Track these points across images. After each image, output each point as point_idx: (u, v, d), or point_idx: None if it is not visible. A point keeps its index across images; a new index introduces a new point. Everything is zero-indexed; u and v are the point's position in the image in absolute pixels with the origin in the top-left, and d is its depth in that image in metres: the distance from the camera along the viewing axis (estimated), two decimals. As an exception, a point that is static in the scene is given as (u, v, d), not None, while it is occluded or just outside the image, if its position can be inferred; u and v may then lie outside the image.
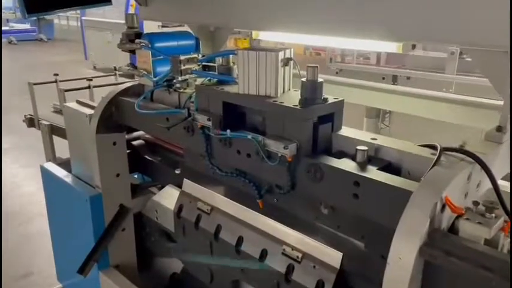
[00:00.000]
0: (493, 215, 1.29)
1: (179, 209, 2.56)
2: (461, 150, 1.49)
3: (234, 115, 2.01)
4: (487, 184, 1.61)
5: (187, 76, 2.25)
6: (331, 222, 1.86)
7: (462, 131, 3.57)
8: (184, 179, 2.60)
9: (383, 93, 3.59)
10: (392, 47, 2.85)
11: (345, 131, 1.86)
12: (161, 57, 2.53)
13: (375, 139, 1.73)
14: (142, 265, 3.06)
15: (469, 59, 7.23)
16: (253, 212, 2.23)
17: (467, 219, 1.28)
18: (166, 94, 2.51)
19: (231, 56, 2.09)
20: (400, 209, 1.39)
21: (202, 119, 2.03)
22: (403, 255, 1.32)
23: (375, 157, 1.69)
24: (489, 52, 1.72)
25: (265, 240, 2.13)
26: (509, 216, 1.38)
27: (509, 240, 1.33)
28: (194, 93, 2.19)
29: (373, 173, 1.56)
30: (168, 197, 2.72)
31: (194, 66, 2.23)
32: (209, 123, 1.99)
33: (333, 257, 1.90)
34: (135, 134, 3.08)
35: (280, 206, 2.04)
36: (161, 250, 2.91)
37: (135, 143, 3.03)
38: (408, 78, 6.28)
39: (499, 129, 1.69)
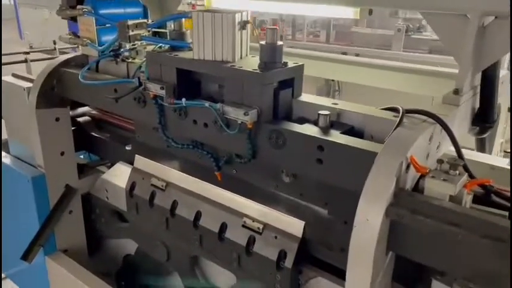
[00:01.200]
0: (457, 171, 1.29)
1: (131, 186, 2.43)
2: (422, 111, 1.49)
3: (189, 83, 1.90)
4: (446, 146, 1.62)
5: (137, 43, 2.10)
6: (293, 191, 1.82)
7: (413, 100, 3.64)
8: (136, 155, 2.47)
9: (334, 64, 3.57)
10: (349, 13, 2.83)
11: (305, 97, 1.81)
12: (107, 25, 2.36)
13: (336, 104, 1.70)
14: (93, 248, 2.90)
15: (414, 36, 7.49)
16: (211, 185, 2.15)
17: (432, 177, 1.27)
18: (113, 64, 2.35)
19: (183, 19, 1.97)
20: (365, 172, 1.37)
21: (154, 88, 1.90)
22: (370, 216, 1.30)
23: (337, 122, 1.66)
24: (445, 15, 1.73)
25: (224, 213, 2.07)
26: (470, 176, 1.39)
27: (471, 197, 1.34)
28: (144, 62, 2.06)
29: (337, 136, 1.52)
30: (118, 175, 2.57)
31: (143, 32, 2.09)
32: (162, 92, 1.87)
33: (295, 226, 1.86)
34: (80, 110, 2.88)
35: (239, 177, 1.97)
36: (112, 231, 2.77)
37: (80, 119, 2.84)
38: (357, 55, 6.38)
39: (456, 92, 1.71)
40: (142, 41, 2.09)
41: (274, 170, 1.80)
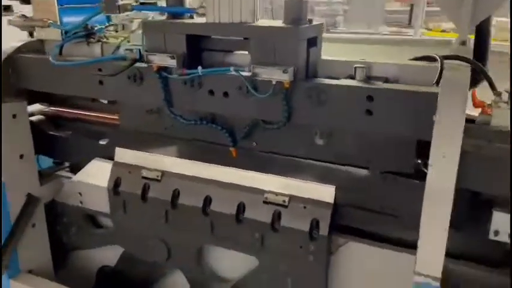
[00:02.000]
0: (516, 101, 1.34)
1: (115, 183, 2.16)
2: (460, 57, 1.53)
3: (199, 51, 1.75)
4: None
5: (124, 15, 1.88)
6: (326, 153, 1.75)
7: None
8: (117, 148, 2.20)
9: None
10: None
11: (326, 56, 1.76)
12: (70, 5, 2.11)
13: (363, 59, 1.68)
14: (59, 265, 2.52)
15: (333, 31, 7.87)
16: (219, 166, 1.99)
17: (498, 107, 1.31)
18: (83, 46, 2.08)
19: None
20: (422, 115, 1.37)
21: (160, 60, 1.71)
22: (446, 152, 1.29)
23: (369, 76, 1.64)
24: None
25: (239, 193, 1.93)
26: None
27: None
28: (131, 36, 1.86)
29: (384, 85, 1.50)
30: (95, 174, 2.27)
31: (131, 2, 1.88)
32: (172, 63, 1.69)
33: (325, 192, 1.80)
34: (30, 108, 2.50)
35: (260, 149, 1.86)
36: (86, 241, 2.43)
37: (33, 118, 2.46)
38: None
39: (463, 43, 1.79)
40: (132, 12, 1.87)
41: (307, 132, 1.72)
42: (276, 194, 1.86)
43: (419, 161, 1.59)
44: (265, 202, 1.88)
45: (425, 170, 1.57)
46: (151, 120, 1.98)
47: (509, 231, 1.43)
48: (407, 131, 1.45)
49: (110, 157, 2.23)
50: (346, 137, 1.67)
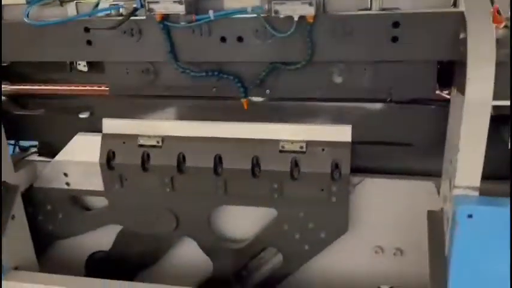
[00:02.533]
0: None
1: (108, 157, 2.00)
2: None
3: None
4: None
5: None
6: (344, 91, 1.74)
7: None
8: (105, 119, 2.03)
9: None
10: None
11: None
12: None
13: None
14: (44, 257, 2.29)
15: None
16: (226, 123, 1.91)
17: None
18: (54, 9, 1.87)
19: None
20: (449, 35, 1.43)
21: (164, 7, 1.58)
22: (482, 64, 1.35)
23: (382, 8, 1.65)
24: None
25: (252, 146, 1.87)
26: None
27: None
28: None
29: (408, 10, 1.52)
30: (81, 151, 2.07)
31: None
32: (180, 9, 1.57)
33: (342, 132, 1.81)
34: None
35: (273, 97, 1.81)
36: (74, 227, 2.23)
37: (-7, 100, 2.17)
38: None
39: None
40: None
41: (324, 71, 1.69)
42: (292, 141, 1.84)
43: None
44: (281, 151, 1.85)
45: (445, 95, 1.66)
46: (148, 81, 1.84)
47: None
48: (433, 53, 1.50)
49: (95, 131, 2.06)
50: (366, 71, 1.68)
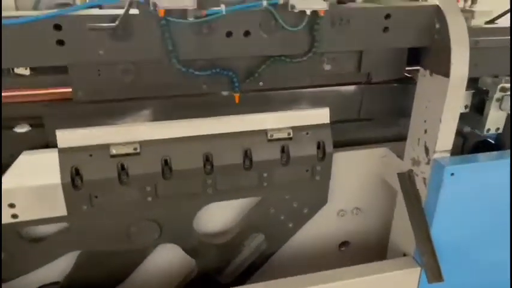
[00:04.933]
0: None
1: (72, 174, 1.69)
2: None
3: None
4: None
5: None
6: (330, 77, 1.86)
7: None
8: (58, 131, 1.68)
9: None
10: None
11: None
12: None
13: None
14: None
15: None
16: (211, 118, 1.82)
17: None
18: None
19: None
20: (429, 25, 1.69)
21: (173, 1, 1.39)
22: (462, 50, 1.65)
23: None
24: None
25: (241, 139, 1.85)
26: None
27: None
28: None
29: (398, 3, 1.70)
30: (30, 173, 1.68)
31: None
32: (189, 4, 1.41)
33: (321, 114, 1.94)
34: None
35: (264, 88, 1.80)
36: (23, 265, 1.83)
37: None
38: None
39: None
40: None
41: (314, 61, 1.76)
42: (279, 129, 1.88)
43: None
44: (269, 140, 1.88)
45: (410, 76, 1.95)
46: (126, 83, 1.60)
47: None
48: (415, 41, 1.73)
49: (39, 147, 1.70)
50: (351, 58, 1.82)
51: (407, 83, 1.96)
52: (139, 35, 1.47)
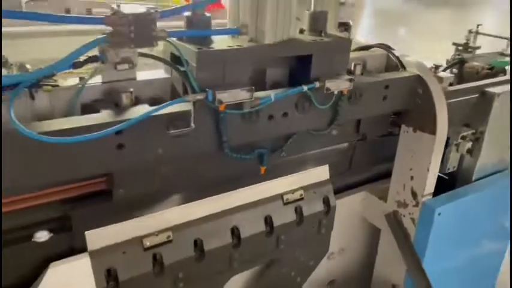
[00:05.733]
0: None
1: (108, 277, 1.54)
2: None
3: (258, 76, 1.54)
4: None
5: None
6: (335, 139, 2.01)
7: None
8: (87, 233, 1.52)
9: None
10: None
11: None
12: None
13: None
14: None
15: None
16: (235, 191, 1.82)
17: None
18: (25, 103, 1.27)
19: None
20: (414, 90, 1.98)
21: (232, 96, 1.40)
22: (443, 112, 1.97)
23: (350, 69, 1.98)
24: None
25: (263, 205, 1.89)
26: None
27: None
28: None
29: (394, 74, 1.94)
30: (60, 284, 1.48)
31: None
32: (247, 96, 1.43)
33: (322, 172, 2.08)
34: None
35: (286, 160, 1.88)
36: None
37: None
38: None
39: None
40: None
41: (328, 126, 1.89)
42: (293, 191, 1.97)
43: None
44: (285, 203, 1.95)
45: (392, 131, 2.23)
46: (164, 173, 1.54)
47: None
48: (404, 104, 2.00)
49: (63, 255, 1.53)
50: (351, 123, 2.01)
51: (390, 136, 2.23)
52: (198, 130, 1.43)
